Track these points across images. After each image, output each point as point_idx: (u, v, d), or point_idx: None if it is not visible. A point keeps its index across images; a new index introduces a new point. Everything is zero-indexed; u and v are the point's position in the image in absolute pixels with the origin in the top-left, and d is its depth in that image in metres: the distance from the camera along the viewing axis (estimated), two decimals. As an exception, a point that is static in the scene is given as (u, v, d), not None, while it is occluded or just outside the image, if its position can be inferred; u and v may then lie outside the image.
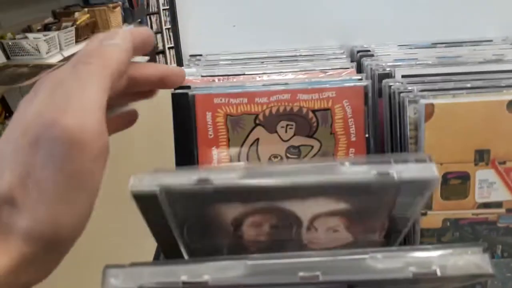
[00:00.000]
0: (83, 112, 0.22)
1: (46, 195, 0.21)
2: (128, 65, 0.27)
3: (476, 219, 0.37)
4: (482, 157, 0.36)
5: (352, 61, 0.53)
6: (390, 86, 0.44)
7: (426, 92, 0.41)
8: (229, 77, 0.47)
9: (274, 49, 0.56)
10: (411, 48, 0.56)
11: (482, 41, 0.57)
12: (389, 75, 0.48)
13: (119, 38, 0.26)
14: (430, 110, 0.35)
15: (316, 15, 0.57)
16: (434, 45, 0.56)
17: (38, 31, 2.86)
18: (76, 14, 3.01)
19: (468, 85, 0.43)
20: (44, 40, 2.66)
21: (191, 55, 0.56)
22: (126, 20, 3.38)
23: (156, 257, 0.49)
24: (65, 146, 0.21)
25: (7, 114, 2.45)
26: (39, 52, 2.64)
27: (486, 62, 0.50)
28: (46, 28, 2.91)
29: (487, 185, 0.37)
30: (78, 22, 2.95)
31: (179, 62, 0.56)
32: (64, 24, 2.92)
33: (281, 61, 0.53)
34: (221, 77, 0.47)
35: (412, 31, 0.58)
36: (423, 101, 0.35)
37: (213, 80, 0.46)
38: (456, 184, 0.36)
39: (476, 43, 0.57)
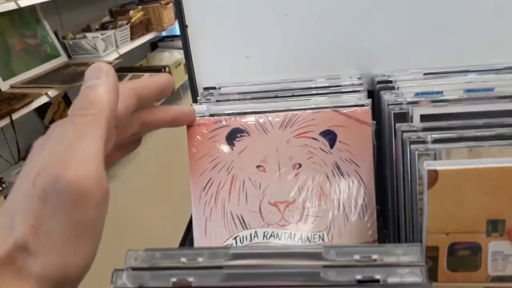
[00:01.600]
0: (83, 164, 0.24)
1: (56, 242, 0.24)
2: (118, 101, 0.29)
3: (489, 293, 0.33)
4: (496, 227, 0.32)
5: (370, 93, 0.50)
6: (402, 132, 0.41)
7: (438, 145, 0.37)
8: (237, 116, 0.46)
9: (292, 78, 0.54)
10: (437, 77, 0.51)
11: (522, 66, 0.51)
12: (405, 116, 0.44)
13: (103, 75, 0.27)
14: (433, 176, 0.31)
15: (335, 41, 0.54)
16: (465, 72, 0.51)
17: (96, 30, 2.99)
18: (131, 12, 3.11)
19: (493, 133, 0.39)
20: (101, 39, 2.79)
21: (205, 88, 0.55)
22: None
23: None
24: (70, 197, 0.23)
25: (68, 112, 2.60)
26: (97, 50, 2.77)
27: (522, 96, 0.45)
28: (104, 27, 3.03)
29: (501, 258, 0.33)
30: (132, 20, 3.05)
31: (194, 95, 0.55)
32: (119, 23, 3.03)
33: (293, 94, 0.50)
34: (228, 117, 0.46)
35: (441, 54, 0.53)
36: (426, 167, 0.32)
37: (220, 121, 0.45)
38: (465, 256, 0.33)
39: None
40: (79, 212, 0.24)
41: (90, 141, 0.25)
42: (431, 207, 0.32)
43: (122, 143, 0.34)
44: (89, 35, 2.86)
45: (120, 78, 2.95)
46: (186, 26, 0.53)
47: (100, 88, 0.27)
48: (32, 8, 2.50)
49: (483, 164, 0.31)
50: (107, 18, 3.16)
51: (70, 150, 0.24)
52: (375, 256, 0.29)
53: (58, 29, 2.75)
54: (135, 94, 0.32)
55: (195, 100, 0.56)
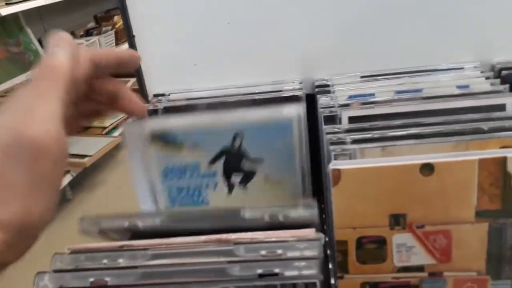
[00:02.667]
0: (43, 123, 0.27)
1: (18, 193, 0.26)
2: (81, 69, 0.31)
3: (397, 283, 0.36)
4: (398, 221, 0.35)
5: (310, 97, 0.52)
6: (327, 134, 0.43)
7: (354, 145, 0.40)
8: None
9: (237, 84, 0.56)
10: (373, 80, 0.53)
11: (452, 68, 0.53)
12: (334, 118, 0.47)
13: (63, 43, 0.30)
14: (337, 175, 0.34)
15: (278, 48, 0.56)
16: (398, 74, 0.53)
17: (81, 36, 3.01)
18: (115, 18, 3.12)
19: (405, 133, 0.41)
20: (86, 45, 2.80)
21: (155, 95, 0.57)
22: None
23: None
24: (31, 152, 0.26)
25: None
26: (82, 57, 2.78)
27: (446, 96, 0.48)
28: (88, 33, 3.05)
29: (405, 249, 0.35)
30: (117, 26, 3.07)
31: (145, 100, 0.58)
32: (104, 29, 3.04)
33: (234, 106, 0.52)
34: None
35: (378, 58, 0.55)
36: (330, 166, 0.34)
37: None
38: (372, 248, 0.35)
39: (446, 71, 0.53)
40: (39, 166, 0.27)
41: (50, 102, 0.28)
42: (337, 204, 0.34)
43: (82, 110, 0.36)
44: (73, 41, 2.87)
45: (106, 84, 2.95)
46: (134, 36, 0.56)
47: (60, 54, 0.29)
48: (14, 16, 2.51)
49: (383, 163, 0.34)
50: (91, 24, 3.17)
51: (32, 110, 0.27)
52: (279, 251, 0.32)
53: (42, 37, 2.76)
54: (93, 61, 0.33)
55: (146, 108, 0.58)
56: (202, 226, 0.37)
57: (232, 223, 0.36)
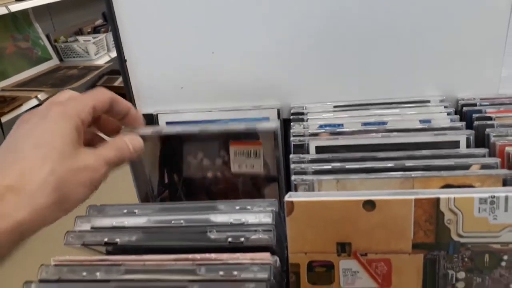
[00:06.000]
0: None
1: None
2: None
3: (343, 303, 0.40)
4: (344, 248, 0.39)
5: (287, 122, 0.57)
6: (293, 162, 0.48)
7: (313, 177, 0.44)
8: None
9: (219, 107, 0.61)
10: (344, 110, 0.58)
11: (419, 101, 0.58)
12: (303, 146, 0.51)
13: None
14: (290, 206, 0.38)
15: (258, 76, 0.60)
16: (368, 106, 0.58)
17: (88, 33, 3.06)
18: (123, 16, 3.17)
19: (359, 166, 0.46)
20: (93, 43, 2.86)
21: (143, 114, 0.62)
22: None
23: None
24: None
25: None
26: (88, 54, 2.84)
27: (407, 131, 0.52)
28: (96, 30, 3.10)
29: (351, 274, 0.40)
30: (124, 24, 3.11)
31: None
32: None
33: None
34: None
35: (351, 89, 0.60)
36: (285, 198, 0.39)
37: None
38: (321, 272, 0.40)
39: (412, 104, 0.57)
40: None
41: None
42: (291, 231, 0.39)
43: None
44: (81, 38, 2.93)
45: (111, 81, 3.02)
46: (125, 61, 0.60)
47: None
48: (24, 11, 2.57)
49: (330, 197, 0.38)
50: (99, 22, 3.22)
51: None
52: (235, 272, 0.36)
53: (51, 32, 2.82)
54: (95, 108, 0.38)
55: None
56: (173, 244, 0.41)
57: (199, 242, 0.40)
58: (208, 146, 0.55)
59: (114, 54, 2.96)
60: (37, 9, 2.63)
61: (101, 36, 2.96)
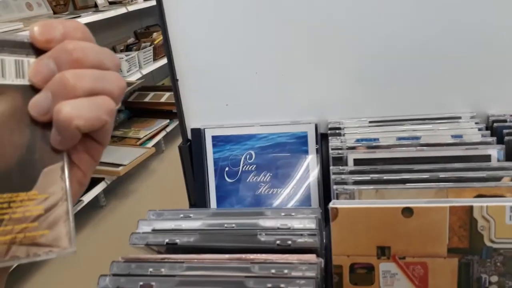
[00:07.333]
0: None
1: None
2: None
3: (382, 303, 0.44)
4: (383, 252, 0.43)
5: (324, 136, 0.61)
6: (333, 174, 0.52)
7: (354, 186, 0.48)
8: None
9: (262, 122, 0.66)
10: (379, 125, 0.62)
11: (450, 117, 0.61)
12: (342, 159, 0.55)
13: None
14: (335, 212, 0.42)
15: (296, 94, 0.65)
16: (402, 121, 0.62)
17: (121, 51, 3.19)
18: (154, 34, 3.30)
19: (397, 177, 0.49)
20: (125, 60, 2.98)
21: (192, 129, 0.67)
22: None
23: None
24: None
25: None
26: (121, 70, 2.96)
27: (440, 145, 0.55)
28: (128, 48, 3.23)
29: (390, 276, 0.43)
30: (155, 42, 3.24)
31: (183, 134, 0.68)
32: (143, 44, 3.22)
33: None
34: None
35: (386, 105, 0.64)
36: (330, 205, 0.43)
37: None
38: (362, 273, 0.43)
39: (444, 120, 0.61)
40: None
41: None
42: (335, 235, 0.43)
43: None
44: (114, 56, 3.06)
45: (142, 97, 3.13)
46: (177, 80, 0.66)
47: None
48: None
49: (372, 205, 0.42)
50: (131, 40, 3.36)
51: None
52: (286, 271, 0.40)
53: (86, 51, 2.95)
54: None
55: (184, 139, 0.69)
56: (227, 245, 0.46)
57: (250, 244, 0.45)
58: None
59: (145, 71, 3.08)
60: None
61: (133, 54, 3.08)
